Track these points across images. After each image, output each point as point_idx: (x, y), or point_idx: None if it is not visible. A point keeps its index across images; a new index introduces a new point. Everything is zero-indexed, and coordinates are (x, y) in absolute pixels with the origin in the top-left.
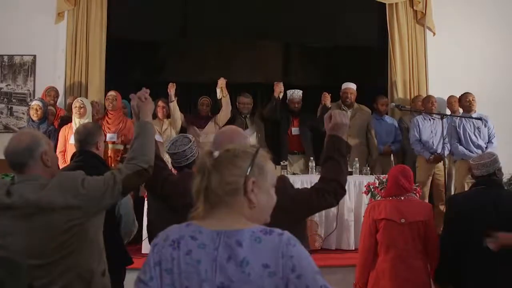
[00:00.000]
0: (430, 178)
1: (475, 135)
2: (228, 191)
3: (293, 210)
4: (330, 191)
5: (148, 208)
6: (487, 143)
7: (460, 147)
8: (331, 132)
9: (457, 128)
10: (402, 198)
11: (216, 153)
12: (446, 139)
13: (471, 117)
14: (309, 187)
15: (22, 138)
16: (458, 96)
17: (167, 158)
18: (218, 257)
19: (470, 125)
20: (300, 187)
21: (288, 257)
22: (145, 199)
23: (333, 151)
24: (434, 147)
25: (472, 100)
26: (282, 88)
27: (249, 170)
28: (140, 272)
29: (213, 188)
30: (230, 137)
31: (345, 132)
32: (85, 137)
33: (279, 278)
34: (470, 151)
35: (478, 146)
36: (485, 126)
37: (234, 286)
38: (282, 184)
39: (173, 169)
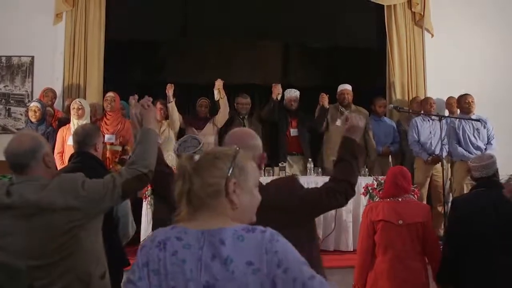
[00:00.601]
0: (428, 179)
1: (474, 136)
2: (210, 193)
3: (301, 210)
4: (341, 191)
5: (154, 211)
6: (486, 144)
7: (459, 148)
8: (346, 134)
9: (456, 129)
10: (400, 199)
11: (196, 157)
12: (445, 140)
13: (470, 119)
14: (307, 188)
15: (24, 140)
16: (456, 97)
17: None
18: (202, 256)
19: (469, 126)
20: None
21: (272, 253)
22: (143, 200)
23: (346, 152)
24: (432, 149)
25: (472, 101)
26: (280, 90)
27: (230, 171)
28: (129, 272)
29: (195, 191)
30: (240, 137)
31: (359, 135)
32: (83, 138)
33: (263, 275)
34: (469, 152)
35: (477, 147)
36: (484, 127)
37: (219, 284)
38: (291, 185)
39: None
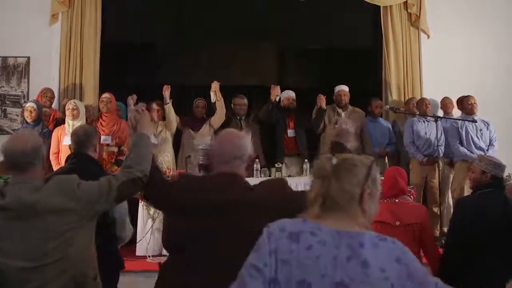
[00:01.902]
0: (424, 180)
1: (477, 137)
2: (345, 199)
3: (290, 212)
4: None
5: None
6: (489, 145)
7: (462, 148)
8: (335, 139)
9: (459, 129)
10: (397, 200)
11: (334, 160)
12: (441, 141)
13: (466, 120)
14: (303, 189)
15: (28, 139)
16: (452, 98)
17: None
18: (338, 255)
19: (473, 127)
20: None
21: (404, 265)
22: (140, 201)
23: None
24: (428, 150)
25: (474, 103)
26: (279, 92)
27: (366, 181)
28: (251, 258)
29: (331, 195)
30: (229, 138)
31: (348, 140)
32: (81, 139)
33: (390, 283)
34: (471, 152)
35: (480, 148)
36: (487, 129)
37: (353, 285)
38: (282, 185)
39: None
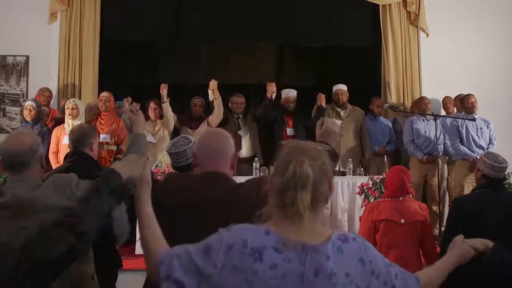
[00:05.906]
0: (423, 178)
1: (477, 135)
2: (319, 204)
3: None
4: None
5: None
6: (488, 144)
7: (462, 147)
8: (321, 139)
9: (460, 128)
10: (401, 198)
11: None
12: (440, 140)
13: (466, 118)
14: None
15: (25, 138)
16: (452, 97)
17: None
18: (305, 272)
19: (473, 125)
20: None
21: (368, 262)
22: None
23: None
24: (428, 148)
25: (474, 101)
26: (275, 88)
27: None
28: (197, 258)
29: (305, 202)
30: (213, 137)
31: (334, 141)
32: (79, 138)
33: (355, 284)
34: (471, 151)
35: (480, 147)
36: (487, 127)
37: None
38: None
39: (171, 169)
